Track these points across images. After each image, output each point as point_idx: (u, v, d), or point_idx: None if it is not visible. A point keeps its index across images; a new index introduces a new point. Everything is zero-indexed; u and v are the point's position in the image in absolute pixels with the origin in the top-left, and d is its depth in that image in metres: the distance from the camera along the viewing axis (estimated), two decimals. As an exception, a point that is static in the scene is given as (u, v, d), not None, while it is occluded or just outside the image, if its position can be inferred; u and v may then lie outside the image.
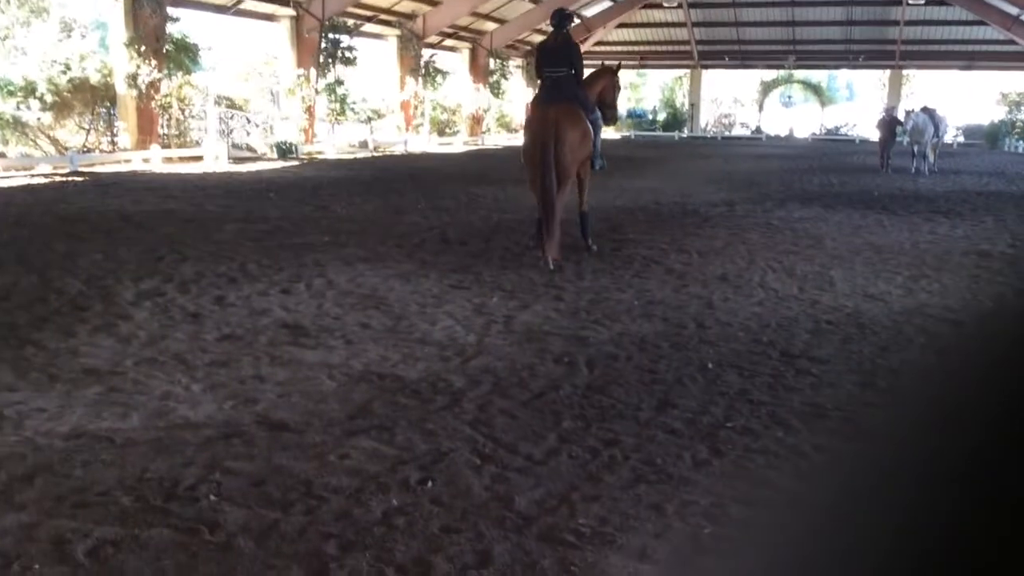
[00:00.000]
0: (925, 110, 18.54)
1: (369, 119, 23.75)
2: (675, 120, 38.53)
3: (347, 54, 22.42)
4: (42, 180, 13.18)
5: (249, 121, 20.88)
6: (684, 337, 4.93)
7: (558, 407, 3.72)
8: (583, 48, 9.11)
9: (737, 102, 40.68)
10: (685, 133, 37.05)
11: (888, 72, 35.65)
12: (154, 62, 16.87)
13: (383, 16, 24.81)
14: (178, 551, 2.44)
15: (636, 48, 36.91)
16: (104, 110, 17.63)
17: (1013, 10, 28.77)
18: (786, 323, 5.32)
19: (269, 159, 18.80)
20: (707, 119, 39.57)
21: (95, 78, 17.04)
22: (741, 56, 36.93)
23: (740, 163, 20.82)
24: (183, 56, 18.00)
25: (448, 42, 29.29)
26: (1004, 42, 31.44)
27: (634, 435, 3.39)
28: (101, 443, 3.20)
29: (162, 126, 17.99)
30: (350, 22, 23.12)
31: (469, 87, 30.42)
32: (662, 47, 37.48)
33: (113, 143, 17.67)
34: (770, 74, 39.10)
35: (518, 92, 33.49)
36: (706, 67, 38.09)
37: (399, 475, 2.98)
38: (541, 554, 2.47)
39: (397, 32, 25.71)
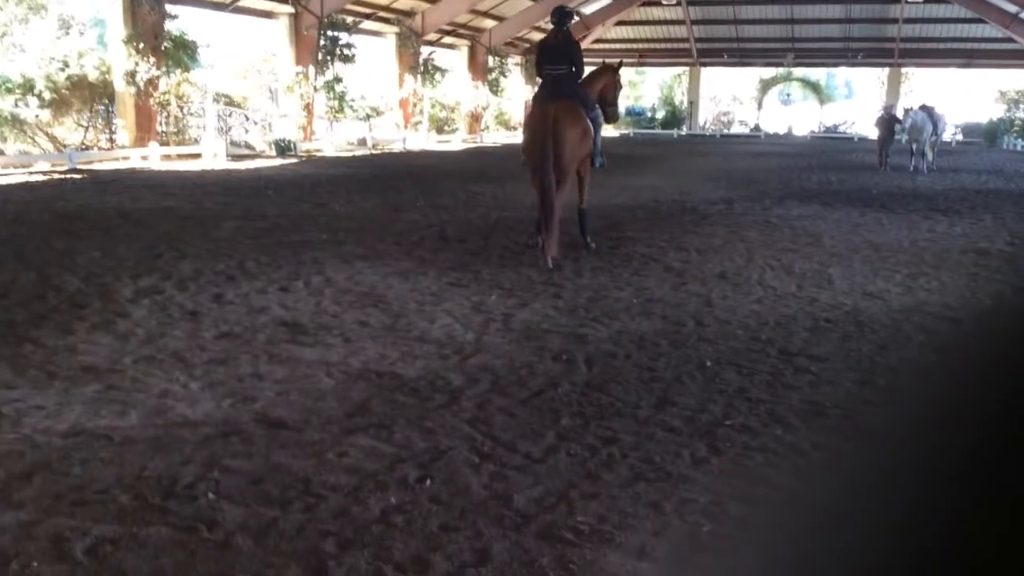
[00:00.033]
0: (924, 108, 18.53)
1: (368, 117, 23.71)
2: (674, 118, 38.49)
3: (346, 51, 22.37)
4: (40, 177, 13.16)
5: (247, 118, 20.87)
6: (683, 335, 4.94)
7: (557, 405, 3.72)
8: (582, 46, 9.09)
9: (736, 100, 40.67)
10: (684, 131, 37.02)
11: (887, 70, 35.63)
12: (152, 59, 16.84)
13: (382, 13, 24.78)
14: (176, 549, 2.44)
15: (635, 46, 36.85)
16: (102, 107, 17.62)
17: (1012, 8, 28.74)
18: (785, 321, 5.33)
19: (267, 157, 18.76)
20: (706, 117, 39.56)
21: (93, 75, 17.02)
22: (740, 54, 36.91)
23: (739, 161, 20.81)
24: (182, 53, 17.98)
25: (447, 39, 29.26)
26: (1003, 40, 31.44)
27: (633, 433, 3.40)
28: (99, 441, 3.20)
29: (160, 123, 17.97)
30: (349, 19, 23.08)
31: (468, 85, 30.39)
32: (661, 45, 37.44)
33: (111, 140, 17.65)
34: (769, 72, 39.12)
35: (517, 90, 33.46)
36: (705, 65, 38.06)
37: (397, 473, 2.98)
38: (540, 552, 2.47)
39: (396, 29, 25.68)
